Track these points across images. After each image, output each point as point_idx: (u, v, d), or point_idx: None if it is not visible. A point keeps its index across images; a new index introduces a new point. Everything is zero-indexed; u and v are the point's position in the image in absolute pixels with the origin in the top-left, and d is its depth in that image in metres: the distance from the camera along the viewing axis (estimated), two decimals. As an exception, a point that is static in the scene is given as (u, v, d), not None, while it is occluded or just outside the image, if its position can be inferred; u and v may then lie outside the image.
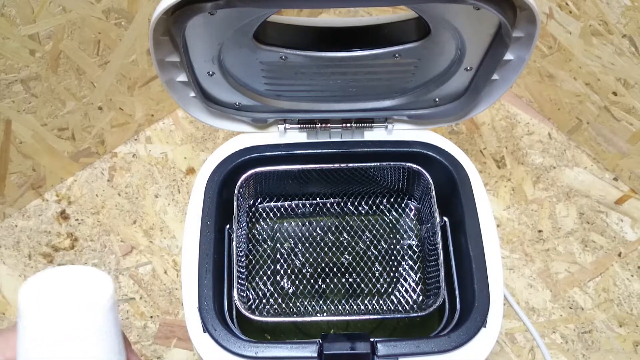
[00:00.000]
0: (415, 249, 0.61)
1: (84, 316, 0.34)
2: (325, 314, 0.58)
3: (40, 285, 0.35)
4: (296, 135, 0.58)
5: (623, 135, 0.75)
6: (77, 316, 0.34)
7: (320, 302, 0.59)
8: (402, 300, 0.59)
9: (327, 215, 0.64)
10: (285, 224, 0.63)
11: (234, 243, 0.54)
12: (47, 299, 0.34)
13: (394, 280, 0.60)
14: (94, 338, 0.35)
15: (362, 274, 0.60)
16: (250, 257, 0.61)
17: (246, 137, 0.57)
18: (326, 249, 0.62)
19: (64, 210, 0.77)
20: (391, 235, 0.63)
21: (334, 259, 0.61)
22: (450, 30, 0.46)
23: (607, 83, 0.72)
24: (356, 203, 0.64)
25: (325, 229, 0.63)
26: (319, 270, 0.61)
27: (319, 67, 0.50)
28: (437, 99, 0.55)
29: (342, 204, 0.64)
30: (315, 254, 0.61)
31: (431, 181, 0.56)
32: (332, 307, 0.59)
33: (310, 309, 0.59)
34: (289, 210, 0.64)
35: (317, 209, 0.64)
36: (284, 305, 0.58)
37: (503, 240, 0.74)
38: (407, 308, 0.58)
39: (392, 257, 0.61)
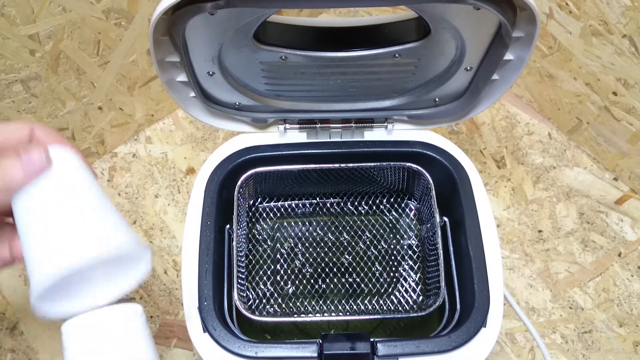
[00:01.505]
0: (415, 249, 0.61)
1: (123, 344, 0.38)
2: (325, 314, 0.58)
3: (80, 324, 0.38)
4: (296, 135, 0.58)
5: (623, 135, 0.75)
6: (117, 346, 0.37)
7: (320, 302, 0.59)
8: (402, 300, 0.59)
9: (327, 215, 0.64)
10: (285, 224, 0.63)
11: (234, 243, 0.54)
12: (88, 335, 0.37)
13: (394, 280, 0.60)
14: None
15: (362, 274, 0.60)
16: (250, 257, 0.61)
17: (246, 137, 0.57)
18: (326, 249, 0.62)
19: (64, 210, 0.77)
20: (391, 235, 0.63)
21: (334, 259, 0.61)
22: (450, 30, 0.46)
23: (607, 83, 0.72)
24: (356, 203, 0.64)
25: (325, 229, 0.63)
26: (319, 270, 0.61)
27: (319, 67, 0.50)
28: (437, 99, 0.55)
29: (342, 204, 0.64)
30: (315, 254, 0.61)
31: (431, 181, 0.56)
32: (332, 307, 0.59)
33: (310, 309, 0.59)
34: (289, 210, 0.64)
35: (317, 209, 0.64)
36: (284, 305, 0.58)
37: (503, 240, 0.74)
38: (407, 308, 0.58)
39: (392, 257, 0.61)
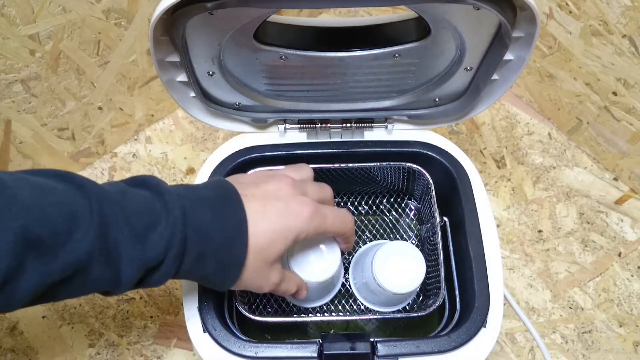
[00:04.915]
0: (415, 249, 0.61)
1: None
2: (325, 314, 0.58)
3: None
4: (296, 135, 0.57)
5: (623, 135, 0.75)
6: None
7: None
8: (402, 300, 0.59)
9: (327, 215, 0.64)
10: (285, 224, 0.63)
11: (234, 243, 0.54)
12: None
13: (394, 280, 0.60)
14: None
15: (362, 274, 0.60)
16: (250, 257, 0.61)
17: (246, 137, 0.57)
18: (326, 249, 0.62)
19: (64, 210, 0.77)
20: (391, 235, 0.62)
21: (334, 259, 0.61)
22: (450, 30, 0.46)
23: (607, 83, 0.72)
24: (356, 203, 0.64)
25: (325, 229, 0.63)
26: (319, 270, 0.61)
27: (319, 67, 0.50)
28: (437, 99, 0.55)
29: (342, 204, 0.64)
30: (315, 254, 0.61)
31: (431, 181, 0.56)
32: (332, 307, 0.59)
33: (310, 309, 0.59)
34: (289, 210, 0.64)
35: (317, 209, 0.64)
36: (284, 305, 0.58)
37: (503, 240, 0.74)
38: (407, 308, 0.58)
39: (392, 257, 0.61)
